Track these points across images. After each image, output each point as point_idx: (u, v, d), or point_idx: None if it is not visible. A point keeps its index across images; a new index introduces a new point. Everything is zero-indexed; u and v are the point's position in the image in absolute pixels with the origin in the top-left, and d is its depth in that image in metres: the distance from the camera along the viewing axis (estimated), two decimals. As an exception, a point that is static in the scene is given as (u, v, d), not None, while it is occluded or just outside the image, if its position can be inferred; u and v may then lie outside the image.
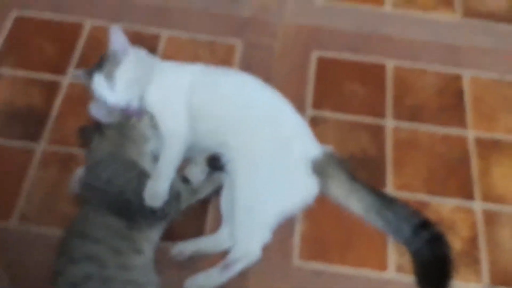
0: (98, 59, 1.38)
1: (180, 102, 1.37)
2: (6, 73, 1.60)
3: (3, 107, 1.53)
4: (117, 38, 1.35)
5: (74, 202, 1.36)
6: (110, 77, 1.33)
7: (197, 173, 1.36)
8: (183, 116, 1.36)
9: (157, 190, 1.26)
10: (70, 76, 1.59)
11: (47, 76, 1.59)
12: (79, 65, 1.61)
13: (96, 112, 1.36)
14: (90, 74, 1.36)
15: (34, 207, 1.38)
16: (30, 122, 1.51)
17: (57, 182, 1.41)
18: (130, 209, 1.27)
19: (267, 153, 1.34)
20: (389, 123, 1.57)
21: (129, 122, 1.36)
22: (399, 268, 1.35)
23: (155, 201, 1.26)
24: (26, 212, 1.37)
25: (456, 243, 1.38)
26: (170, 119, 1.36)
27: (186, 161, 1.40)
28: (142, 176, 1.30)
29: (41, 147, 1.47)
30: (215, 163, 1.37)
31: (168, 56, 1.64)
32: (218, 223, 1.37)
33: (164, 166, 1.31)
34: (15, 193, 1.39)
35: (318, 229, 1.39)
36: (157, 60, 1.45)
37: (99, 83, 1.34)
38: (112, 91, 1.33)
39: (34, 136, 1.49)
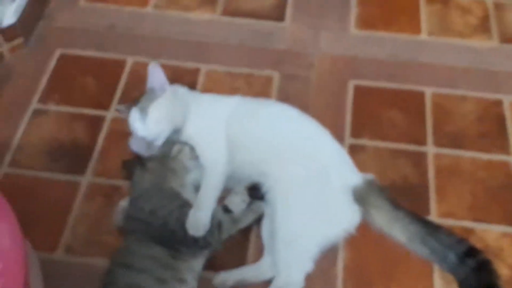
0: (139, 95, 1.41)
1: (220, 132, 1.38)
2: (52, 109, 1.64)
3: (50, 142, 1.57)
4: (155, 75, 1.38)
5: (118, 233, 1.38)
6: (144, 111, 1.35)
7: (238, 202, 1.36)
8: (222, 146, 1.37)
9: (199, 219, 1.27)
10: (113, 111, 1.62)
11: (90, 112, 1.63)
12: (121, 100, 1.65)
13: (135, 146, 1.39)
14: (129, 109, 1.39)
15: (79, 239, 1.39)
16: (75, 156, 1.54)
17: (101, 214, 1.43)
18: (173, 239, 1.27)
19: (306, 182, 1.33)
20: (430, 150, 1.55)
21: (171, 154, 1.37)
22: (446, 298, 1.31)
23: (198, 231, 1.26)
24: (71, 244, 1.39)
25: (503, 270, 1.33)
26: (210, 149, 1.38)
27: (226, 191, 1.40)
28: (185, 207, 1.31)
29: (86, 180, 1.50)
30: (255, 193, 1.37)
31: (207, 89, 1.67)
32: (260, 252, 1.36)
33: (205, 196, 1.31)
34: (61, 226, 1.42)
35: (361, 258, 1.37)
36: (196, 93, 1.47)
37: (134, 116, 1.37)
38: (143, 124, 1.35)
39: (79, 170, 1.52)
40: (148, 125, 1.35)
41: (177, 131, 1.39)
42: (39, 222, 1.41)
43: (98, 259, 1.36)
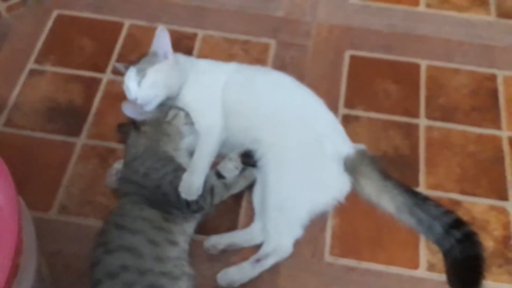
0: (139, 56, 1.40)
1: (216, 99, 1.38)
2: (48, 69, 1.63)
3: (46, 102, 1.57)
4: (161, 39, 1.37)
5: (112, 195, 1.38)
6: (141, 72, 1.35)
7: (231, 168, 1.37)
8: (218, 113, 1.37)
9: (192, 184, 1.27)
10: (109, 74, 1.61)
11: (87, 73, 1.62)
12: (118, 60, 1.63)
13: (128, 110, 1.38)
14: (127, 68, 1.39)
15: (74, 199, 1.40)
16: (70, 117, 1.54)
17: (95, 176, 1.44)
18: (165, 202, 1.28)
19: (299, 150, 1.34)
20: (422, 122, 1.55)
21: (166, 118, 1.37)
22: (431, 267, 1.33)
23: (190, 194, 1.27)
24: (65, 204, 1.40)
25: (488, 243, 1.35)
26: (206, 115, 1.37)
27: (219, 157, 1.41)
28: (178, 170, 1.32)
29: (81, 141, 1.50)
30: (248, 159, 1.38)
31: (203, 55, 1.65)
32: (251, 218, 1.38)
33: (199, 161, 1.32)
34: (56, 186, 1.42)
35: (350, 226, 1.38)
36: (193, 59, 1.47)
37: (129, 75, 1.36)
38: (138, 85, 1.34)
39: (74, 131, 1.51)
40: (142, 87, 1.35)
41: (170, 98, 1.38)
42: (33, 182, 1.42)
43: (91, 219, 1.37)
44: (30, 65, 1.63)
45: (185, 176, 1.28)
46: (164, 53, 1.38)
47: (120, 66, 1.45)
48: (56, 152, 1.48)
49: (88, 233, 1.30)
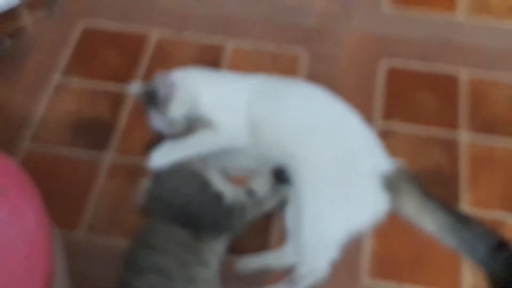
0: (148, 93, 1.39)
1: (237, 110, 1.37)
2: (74, 83, 1.64)
3: (72, 117, 1.58)
4: (162, 86, 1.36)
5: (140, 213, 1.38)
6: (163, 114, 1.36)
7: (262, 183, 1.36)
8: (239, 122, 1.36)
9: (162, 155, 1.31)
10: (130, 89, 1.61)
11: (114, 87, 1.63)
12: (145, 75, 1.64)
13: (156, 124, 1.38)
14: (146, 105, 1.39)
15: (101, 218, 1.40)
16: (98, 133, 1.55)
17: (123, 193, 1.44)
18: (195, 220, 1.27)
19: (333, 167, 1.32)
20: (464, 136, 1.52)
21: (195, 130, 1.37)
22: (474, 289, 1.30)
23: (152, 162, 1.31)
24: (93, 223, 1.40)
25: (536, 265, 1.32)
26: (227, 119, 1.37)
27: (251, 172, 1.40)
28: (207, 188, 1.31)
29: (108, 157, 1.51)
30: (280, 175, 1.36)
31: (232, 66, 1.65)
32: (283, 238, 1.36)
33: (191, 143, 1.33)
34: (83, 203, 1.43)
35: (388, 247, 1.36)
36: (212, 73, 1.48)
37: (155, 120, 1.37)
38: (168, 124, 1.37)
39: (101, 147, 1.52)
40: (171, 123, 1.36)
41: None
42: (60, 199, 1.42)
43: (120, 238, 1.37)
44: (56, 79, 1.65)
45: (164, 145, 1.32)
46: (171, 91, 1.37)
47: (134, 85, 1.44)
48: (83, 169, 1.48)
49: (116, 253, 1.30)
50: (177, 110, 1.36)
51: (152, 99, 1.38)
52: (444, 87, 1.61)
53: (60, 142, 1.53)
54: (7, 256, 0.94)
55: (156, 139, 1.39)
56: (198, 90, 1.39)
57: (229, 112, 1.37)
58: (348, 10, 1.78)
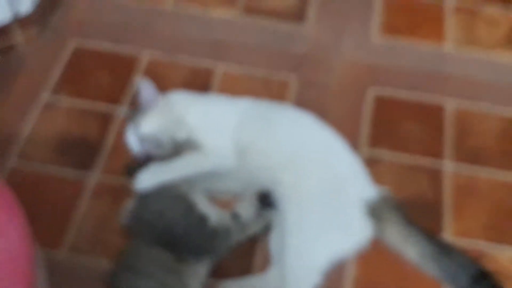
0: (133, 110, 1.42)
1: (225, 132, 1.39)
2: (63, 102, 1.65)
3: (60, 135, 1.58)
4: (146, 91, 1.39)
5: (124, 233, 1.38)
6: (137, 126, 1.37)
7: (247, 207, 1.36)
8: (226, 144, 1.37)
9: (149, 177, 1.32)
10: (126, 108, 1.62)
11: (103, 107, 1.64)
12: (134, 97, 1.65)
13: (144, 145, 1.39)
14: (132, 116, 1.42)
15: (85, 238, 1.40)
16: (84, 152, 1.55)
17: (108, 213, 1.44)
18: (178, 243, 1.27)
19: (320, 193, 1.33)
20: (448, 166, 1.54)
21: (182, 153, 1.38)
22: (456, 319, 1.31)
23: (138, 183, 1.31)
24: (76, 243, 1.39)
25: (517, 296, 1.33)
26: (214, 141, 1.38)
27: (235, 197, 1.41)
28: (192, 211, 1.31)
29: (94, 177, 1.51)
30: (265, 199, 1.37)
31: (222, 90, 1.66)
32: (267, 262, 1.36)
33: (178, 165, 1.34)
34: (66, 222, 1.42)
35: (371, 274, 1.36)
36: (199, 96, 1.48)
37: (129, 129, 1.39)
38: (137, 138, 1.38)
39: (88, 166, 1.52)
40: (141, 138, 1.37)
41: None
42: (44, 218, 1.42)
43: (103, 259, 1.36)
44: (45, 97, 1.65)
45: (151, 166, 1.33)
46: (153, 100, 1.39)
47: (125, 111, 1.50)
48: (68, 187, 1.48)
49: (98, 274, 1.30)
50: (149, 124, 1.37)
51: (133, 112, 1.39)
52: (430, 116, 1.63)
53: (47, 160, 1.53)
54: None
55: (138, 162, 1.40)
56: (186, 111, 1.40)
57: (217, 134, 1.38)
58: (339, 38, 1.80)
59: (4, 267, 0.93)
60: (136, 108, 1.43)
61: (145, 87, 1.39)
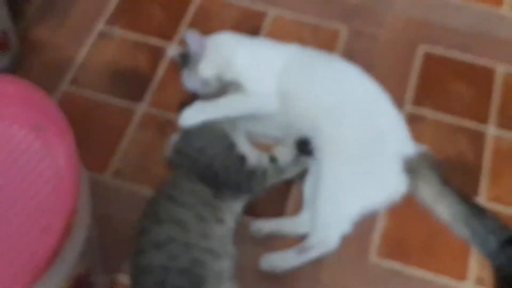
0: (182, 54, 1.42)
1: (270, 75, 1.39)
2: (117, 34, 1.67)
3: (112, 66, 1.60)
4: (194, 42, 1.39)
5: (167, 165, 1.41)
6: (194, 73, 1.39)
7: (285, 153, 1.37)
8: (271, 87, 1.38)
9: (193, 114, 1.33)
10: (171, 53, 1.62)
11: (155, 41, 1.65)
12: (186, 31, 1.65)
13: (189, 83, 1.41)
14: (181, 66, 1.43)
15: (129, 165, 1.44)
16: (134, 83, 1.57)
17: (153, 144, 1.47)
18: (217, 179, 1.30)
19: (359, 143, 1.33)
20: (492, 130, 1.51)
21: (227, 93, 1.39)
22: (479, 281, 1.31)
23: (184, 122, 1.33)
24: (120, 168, 1.44)
25: (544, 265, 1.32)
26: (259, 85, 1.38)
27: (275, 142, 1.42)
28: (232, 150, 1.33)
29: (142, 108, 1.54)
30: (304, 147, 1.38)
31: (271, 35, 1.65)
32: (299, 206, 1.38)
33: (222, 105, 1.34)
34: (112, 149, 1.46)
35: (400, 229, 1.37)
36: (252, 38, 1.49)
37: (187, 79, 1.41)
38: (198, 83, 1.40)
39: (136, 97, 1.55)
40: (205, 83, 1.39)
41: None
42: (91, 142, 1.46)
43: (144, 186, 1.41)
44: (100, 27, 1.67)
45: (195, 104, 1.34)
46: (201, 50, 1.39)
47: (173, 48, 1.48)
48: (116, 116, 1.52)
49: (139, 200, 1.34)
50: (207, 69, 1.38)
51: (185, 59, 1.40)
52: (479, 79, 1.59)
53: (98, 88, 1.56)
54: (35, 188, 0.98)
55: (190, 99, 1.42)
56: (233, 53, 1.40)
57: (261, 78, 1.39)
58: (394, -9, 1.75)
59: (50, 182, 0.98)
60: (188, 57, 1.43)
61: (191, 38, 1.39)
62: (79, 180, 0.98)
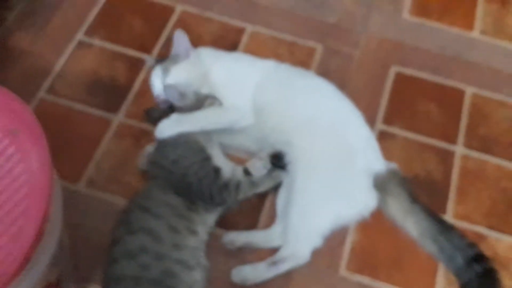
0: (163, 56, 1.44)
1: (246, 89, 1.40)
2: (96, 43, 1.66)
3: (89, 75, 1.60)
4: (180, 42, 1.42)
5: (141, 176, 1.41)
6: (166, 71, 1.40)
7: (259, 167, 1.38)
8: (246, 101, 1.39)
9: (170, 126, 1.33)
10: (149, 63, 1.63)
11: (133, 53, 1.65)
12: (164, 47, 1.65)
13: (168, 94, 1.40)
14: (156, 63, 1.45)
15: (103, 175, 1.43)
16: (111, 94, 1.56)
17: (128, 155, 1.46)
18: (190, 192, 1.30)
19: (330, 159, 1.34)
20: (459, 149, 1.54)
21: (202, 107, 1.39)
22: (445, 297, 1.32)
23: (160, 134, 1.33)
24: (94, 178, 1.43)
25: (508, 283, 1.33)
26: (235, 98, 1.40)
27: (249, 155, 1.42)
28: (207, 162, 1.34)
29: (118, 119, 1.53)
30: (278, 161, 1.38)
31: (249, 50, 1.66)
32: (272, 219, 1.39)
33: (198, 118, 1.35)
34: (87, 159, 1.45)
35: (370, 243, 1.38)
36: (225, 53, 1.51)
37: (155, 73, 1.42)
38: (162, 83, 1.40)
39: (113, 107, 1.54)
40: (166, 84, 1.39)
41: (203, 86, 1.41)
42: (66, 152, 1.45)
43: (117, 197, 1.40)
44: (80, 36, 1.67)
45: (172, 116, 1.34)
46: (186, 52, 1.42)
47: (150, 59, 1.50)
48: (92, 126, 1.51)
49: (112, 210, 1.34)
50: (178, 74, 1.39)
51: (165, 59, 1.41)
52: (448, 101, 1.62)
53: (74, 97, 1.55)
54: (8, 193, 0.97)
55: (159, 108, 1.42)
56: (210, 67, 1.41)
57: (237, 92, 1.40)
58: (370, 12, 1.78)
59: (24, 188, 0.97)
60: (165, 57, 1.44)
61: (179, 38, 1.41)
62: (52, 186, 0.96)
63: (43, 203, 0.93)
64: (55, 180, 1.02)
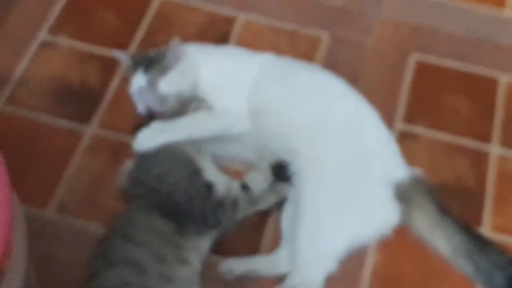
0: (149, 55, 1.42)
1: (242, 93, 1.39)
2: (62, 43, 1.66)
3: (56, 81, 1.60)
4: (175, 53, 1.39)
5: (120, 197, 1.41)
6: (153, 83, 1.38)
7: (259, 180, 1.38)
8: (240, 103, 1.38)
9: (150, 137, 1.33)
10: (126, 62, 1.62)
11: (106, 52, 1.64)
12: (142, 42, 1.66)
13: (147, 99, 1.39)
14: (135, 67, 1.41)
15: (75, 198, 1.43)
16: (82, 101, 1.56)
17: (103, 173, 1.46)
18: (179, 212, 1.30)
19: (342, 168, 1.34)
20: (494, 149, 1.53)
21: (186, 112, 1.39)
22: (485, 324, 1.32)
23: (139, 146, 1.34)
24: (65, 202, 1.42)
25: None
26: (227, 101, 1.39)
27: (247, 165, 1.42)
28: (196, 177, 1.33)
29: (91, 131, 1.53)
30: (280, 172, 1.38)
31: (242, 43, 1.66)
32: (276, 241, 1.38)
33: (184, 125, 1.35)
34: (56, 179, 1.45)
35: (394, 265, 1.38)
36: (220, 47, 1.51)
37: (140, 82, 1.39)
38: (151, 94, 1.38)
39: (85, 117, 1.54)
40: (156, 97, 1.38)
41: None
42: (31, 172, 1.45)
43: (93, 223, 1.39)
44: (43, 36, 1.67)
45: (152, 125, 1.34)
46: (177, 59, 1.39)
47: (126, 58, 1.45)
48: (61, 140, 1.51)
49: (88, 239, 1.33)
50: (170, 84, 1.38)
51: (150, 65, 1.39)
52: (479, 92, 1.62)
53: (39, 107, 1.55)
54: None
55: (147, 119, 1.41)
56: (198, 66, 1.41)
57: (230, 93, 1.39)
58: (381, -8, 1.79)
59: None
60: (144, 55, 1.43)
61: (174, 49, 1.39)
62: (12, 218, 0.95)
63: (2, 240, 0.91)
64: (17, 209, 1.01)
